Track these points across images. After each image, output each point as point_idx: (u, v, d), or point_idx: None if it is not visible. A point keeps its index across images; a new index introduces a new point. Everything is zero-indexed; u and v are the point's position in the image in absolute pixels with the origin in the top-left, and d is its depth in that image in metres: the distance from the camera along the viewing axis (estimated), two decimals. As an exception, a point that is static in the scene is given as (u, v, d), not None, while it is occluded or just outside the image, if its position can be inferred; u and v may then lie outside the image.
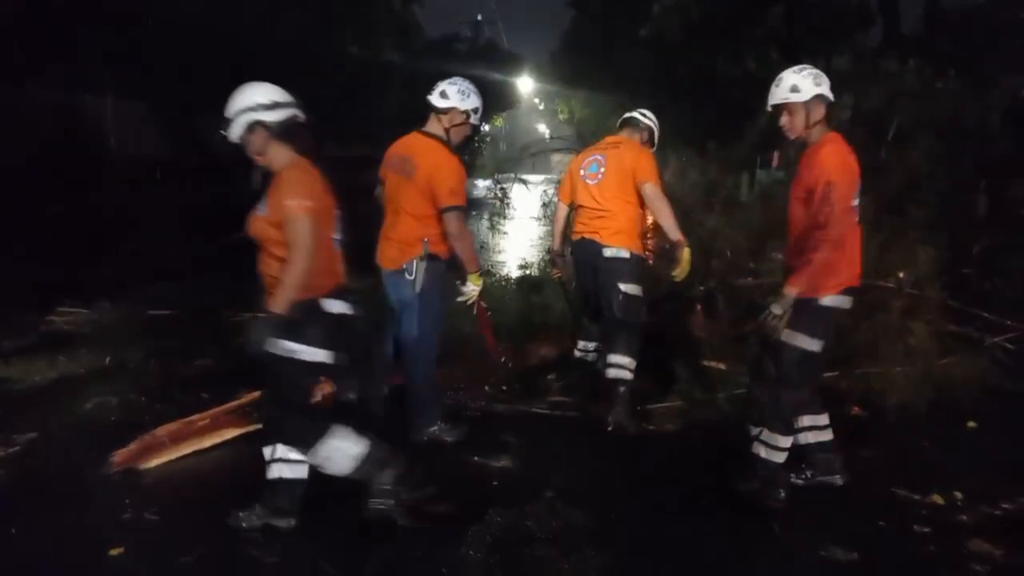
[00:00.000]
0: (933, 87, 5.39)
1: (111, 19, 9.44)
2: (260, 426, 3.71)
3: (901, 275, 4.70)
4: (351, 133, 17.19)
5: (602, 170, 4.09)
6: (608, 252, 4.02)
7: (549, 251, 4.60)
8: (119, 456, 3.35)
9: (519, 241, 10.74)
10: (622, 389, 4.02)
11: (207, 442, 3.58)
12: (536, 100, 32.78)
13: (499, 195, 8.05)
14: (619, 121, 4.51)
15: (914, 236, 4.79)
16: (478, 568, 2.68)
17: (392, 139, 3.81)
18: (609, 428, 3.95)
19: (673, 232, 3.96)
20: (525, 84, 27.68)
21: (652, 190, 3.99)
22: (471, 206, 4.38)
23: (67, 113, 9.63)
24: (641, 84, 10.86)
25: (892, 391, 4.38)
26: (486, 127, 31.88)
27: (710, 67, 9.49)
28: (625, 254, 4.02)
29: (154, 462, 3.39)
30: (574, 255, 4.27)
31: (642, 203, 4.06)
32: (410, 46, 18.19)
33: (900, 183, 5.18)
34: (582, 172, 4.17)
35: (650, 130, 4.42)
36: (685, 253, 3.94)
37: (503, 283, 6.94)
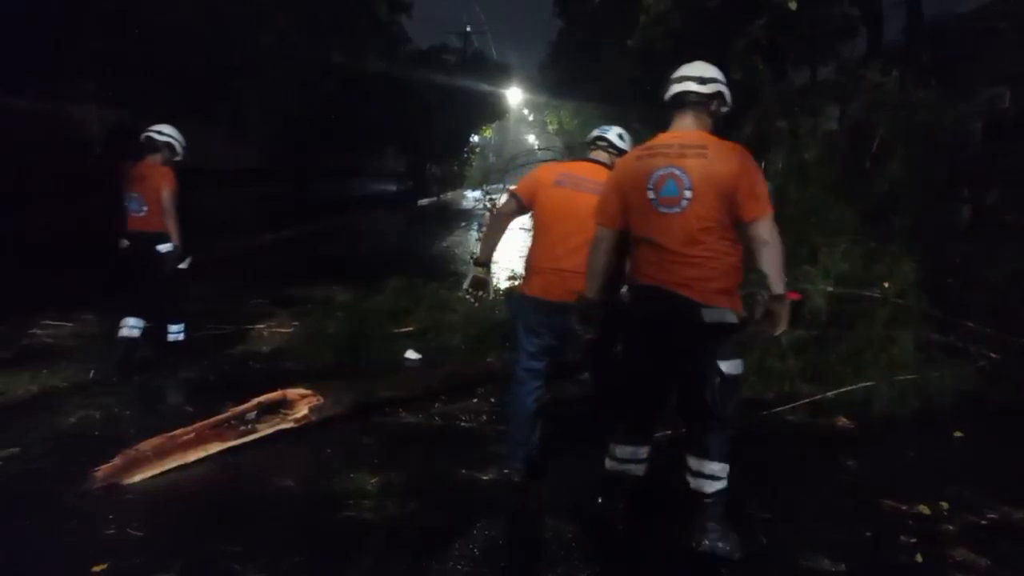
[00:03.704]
0: (914, 97, 5.46)
1: (93, 26, 9.38)
2: (245, 440, 3.71)
3: (886, 284, 4.74)
4: (337, 143, 17.17)
5: (687, 193, 2.79)
6: (709, 315, 2.77)
7: (580, 298, 3.08)
8: (102, 471, 3.31)
9: (506, 252, 10.74)
10: (717, 503, 2.91)
11: (191, 457, 3.54)
12: (525, 111, 32.97)
13: (488, 206, 8.08)
14: (672, 94, 3.02)
15: (897, 245, 4.83)
16: (465, 582, 2.66)
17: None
18: (700, 548, 2.88)
19: (780, 283, 2.81)
20: (514, 95, 27.75)
21: (769, 229, 2.75)
22: (459, 216, 4.33)
23: (49, 122, 9.55)
24: (629, 93, 10.93)
25: (877, 401, 4.42)
26: (475, 138, 31.96)
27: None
28: (731, 318, 2.82)
29: (137, 477, 3.36)
30: (635, 309, 2.99)
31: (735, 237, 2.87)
32: (398, 56, 18.20)
33: (883, 192, 5.24)
34: (651, 195, 2.86)
35: (721, 108, 3.10)
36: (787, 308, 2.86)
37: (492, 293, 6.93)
